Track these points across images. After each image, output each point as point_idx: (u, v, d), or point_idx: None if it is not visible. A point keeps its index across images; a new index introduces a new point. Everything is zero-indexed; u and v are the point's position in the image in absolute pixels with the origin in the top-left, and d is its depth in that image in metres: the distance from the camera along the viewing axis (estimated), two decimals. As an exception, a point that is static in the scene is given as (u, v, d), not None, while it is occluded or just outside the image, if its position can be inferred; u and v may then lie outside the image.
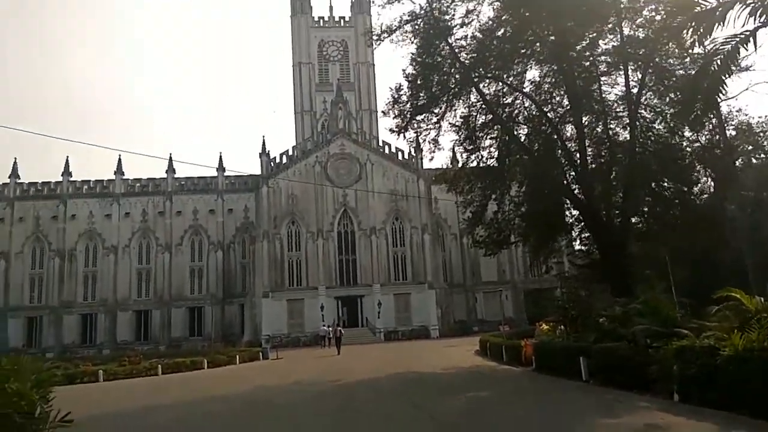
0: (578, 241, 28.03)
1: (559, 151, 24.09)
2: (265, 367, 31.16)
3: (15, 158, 65.76)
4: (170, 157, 67.37)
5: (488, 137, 25.70)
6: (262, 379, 22.73)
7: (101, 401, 18.13)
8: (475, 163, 25.63)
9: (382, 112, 25.46)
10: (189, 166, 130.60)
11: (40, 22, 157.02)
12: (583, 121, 24.16)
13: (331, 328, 46.59)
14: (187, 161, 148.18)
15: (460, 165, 25.59)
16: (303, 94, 76.71)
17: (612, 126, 25.37)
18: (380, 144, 65.45)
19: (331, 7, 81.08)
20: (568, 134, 25.02)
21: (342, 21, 79.95)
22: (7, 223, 63.27)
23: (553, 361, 18.01)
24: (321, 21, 79.39)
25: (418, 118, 24.50)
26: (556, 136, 23.92)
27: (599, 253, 23.20)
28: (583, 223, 26.08)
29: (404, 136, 24.89)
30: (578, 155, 23.91)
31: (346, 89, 73.42)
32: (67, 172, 65.54)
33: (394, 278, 61.60)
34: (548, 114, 24.14)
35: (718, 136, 27.99)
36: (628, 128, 24.40)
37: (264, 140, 62.61)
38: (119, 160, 66.75)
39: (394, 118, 24.71)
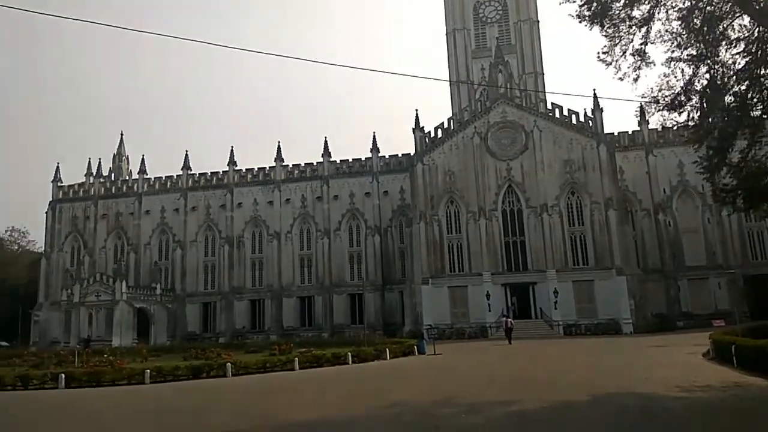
0: None
1: None
2: (417, 367, 25.59)
3: (186, 151, 69.24)
4: (325, 141, 66.22)
5: (726, 39, 16.81)
6: (402, 391, 16.93)
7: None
8: (707, 78, 16.84)
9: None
10: (343, 150, 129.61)
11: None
12: None
13: (503, 318, 43.21)
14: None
15: (682, 84, 16.88)
16: (458, 62, 69.98)
17: None
18: (549, 107, 56.39)
19: (487, -37, 73.06)
20: None
21: (501, -25, 71.52)
22: (181, 213, 66.96)
23: None
24: (477, -20, 71.90)
25: (618, 12, 16.26)
26: None
27: None
28: None
29: (601, 26, 16.75)
30: None
31: (507, 52, 65.35)
32: (232, 161, 67.47)
33: (572, 263, 52.66)
34: None
35: None
36: None
37: (417, 114, 57.66)
38: (278, 146, 67.03)
39: (581, 4, 16.85)
